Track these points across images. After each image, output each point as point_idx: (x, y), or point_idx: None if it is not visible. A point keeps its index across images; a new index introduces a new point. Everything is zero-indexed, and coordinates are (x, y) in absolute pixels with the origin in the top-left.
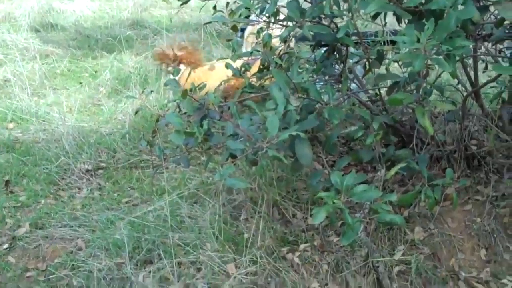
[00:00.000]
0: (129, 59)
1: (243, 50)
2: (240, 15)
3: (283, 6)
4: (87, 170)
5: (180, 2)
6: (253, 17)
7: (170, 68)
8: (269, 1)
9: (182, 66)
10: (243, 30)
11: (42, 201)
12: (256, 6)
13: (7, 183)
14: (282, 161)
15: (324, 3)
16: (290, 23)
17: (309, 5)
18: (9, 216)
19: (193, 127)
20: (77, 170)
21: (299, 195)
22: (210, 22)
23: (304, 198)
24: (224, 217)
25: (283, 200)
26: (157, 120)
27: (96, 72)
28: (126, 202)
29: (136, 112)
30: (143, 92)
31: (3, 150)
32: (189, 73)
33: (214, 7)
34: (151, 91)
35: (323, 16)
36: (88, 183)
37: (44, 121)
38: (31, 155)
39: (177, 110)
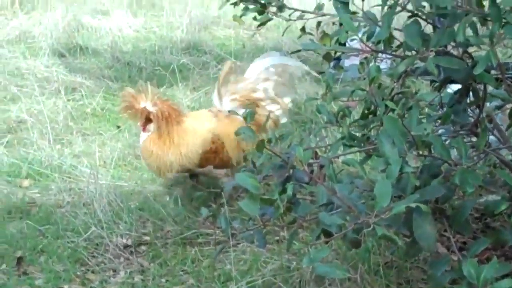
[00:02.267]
0: (184, 96)
1: (216, 101)
2: (337, 41)
3: (397, 30)
4: (126, 246)
5: (257, 22)
6: (353, 43)
7: (138, 125)
8: (380, 23)
9: (151, 127)
10: (337, 60)
11: (65, 287)
12: (363, 30)
13: (19, 260)
14: (394, 243)
15: (456, 27)
16: (408, 53)
17: (432, 29)
18: None
19: (273, 192)
20: (113, 246)
21: None
22: (298, 51)
23: None
24: None
25: None
26: (221, 181)
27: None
28: None
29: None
30: None
31: (15, 216)
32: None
33: (303, 29)
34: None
35: (452, 44)
36: (126, 263)
37: (69, 177)
38: (51, 223)
39: (251, 168)
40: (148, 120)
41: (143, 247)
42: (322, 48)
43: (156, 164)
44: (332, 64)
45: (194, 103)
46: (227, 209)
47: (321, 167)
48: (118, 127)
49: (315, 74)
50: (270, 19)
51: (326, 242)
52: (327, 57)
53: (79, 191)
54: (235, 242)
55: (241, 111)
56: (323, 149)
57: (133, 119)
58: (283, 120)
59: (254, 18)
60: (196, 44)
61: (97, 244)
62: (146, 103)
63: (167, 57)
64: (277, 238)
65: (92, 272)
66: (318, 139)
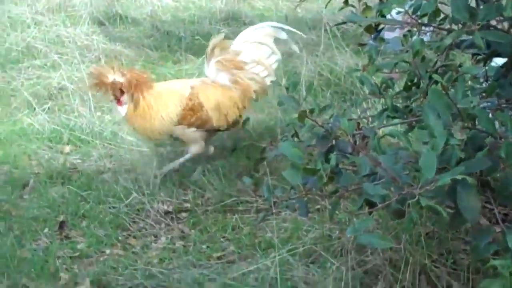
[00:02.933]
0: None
1: (205, 68)
2: (379, 13)
3: (442, 3)
4: (167, 212)
5: None
6: (395, 15)
7: (111, 100)
8: None
9: (126, 96)
10: (379, 32)
11: (107, 251)
12: (410, 3)
13: (61, 225)
14: (439, 214)
15: (504, 1)
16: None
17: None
18: (64, 269)
19: (316, 162)
20: (154, 212)
21: (456, 259)
22: (343, 23)
23: (464, 263)
24: (353, 285)
25: (434, 265)
26: (263, 150)
27: None
28: (218, 258)
29: (235, 139)
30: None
31: (57, 181)
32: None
33: (346, 1)
34: (253, 111)
35: (498, 18)
36: (167, 229)
37: (110, 144)
38: (93, 189)
39: (293, 137)
40: (121, 92)
41: (183, 214)
42: (365, 20)
43: (143, 132)
44: (371, 36)
45: None
46: (269, 178)
47: (364, 137)
48: None
49: (299, 33)
50: None
51: (370, 213)
52: (369, 29)
53: (120, 158)
54: (276, 210)
55: (222, 74)
56: (365, 120)
57: (106, 95)
58: (269, 82)
59: None
60: (235, 14)
61: (138, 210)
62: (114, 76)
63: (206, 27)
64: (318, 206)
65: (134, 237)
66: (359, 110)
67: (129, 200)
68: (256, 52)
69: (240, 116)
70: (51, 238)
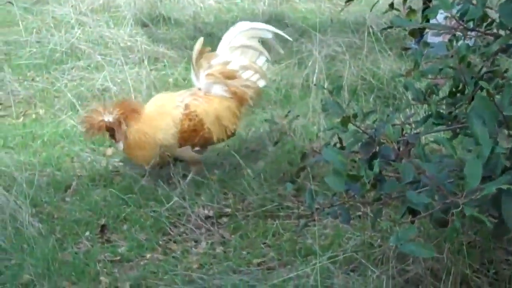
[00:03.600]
0: (266, 68)
1: (194, 80)
2: (425, 17)
3: (489, 8)
4: (208, 217)
5: None
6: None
7: (109, 139)
8: (474, 1)
9: (119, 133)
10: (422, 36)
11: (148, 255)
12: (457, 8)
13: (103, 228)
14: (483, 223)
15: None
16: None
17: None
18: (105, 273)
19: (359, 168)
20: (194, 216)
21: (498, 269)
22: (390, 27)
23: (506, 274)
24: None
25: (476, 276)
26: (304, 155)
27: None
28: (259, 264)
29: (276, 143)
30: (286, 115)
31: (99, 184)
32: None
33: (391, 5)
34: (298, 116)
35: None
36: (208, 234)
37: None
38: (134, 192)
39: (335, 143)
40: (113, 129)
41: (224, 219)
42: (412, 25)
43: (145, 160)
44: (415, 40)
45: (276, 76)
46: (311, 184)
47: (407, 144)
48: None
49: (285, 35)
50: None
51: (412, 221)
52: (413, 33)
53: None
54: (317, 216)
55: (217, 86)
56: (408, 126)
57: (104, 136)
58: (262, 84)
59: None
60: (278, 16)
61: (179, 214)
62: (102, 117)
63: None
64: (359, 213)
65: (174, 242)
66: (401, 115)
67: (170, 204)
68: (244, 57)
69: (237, 126)
70: (93, 242)
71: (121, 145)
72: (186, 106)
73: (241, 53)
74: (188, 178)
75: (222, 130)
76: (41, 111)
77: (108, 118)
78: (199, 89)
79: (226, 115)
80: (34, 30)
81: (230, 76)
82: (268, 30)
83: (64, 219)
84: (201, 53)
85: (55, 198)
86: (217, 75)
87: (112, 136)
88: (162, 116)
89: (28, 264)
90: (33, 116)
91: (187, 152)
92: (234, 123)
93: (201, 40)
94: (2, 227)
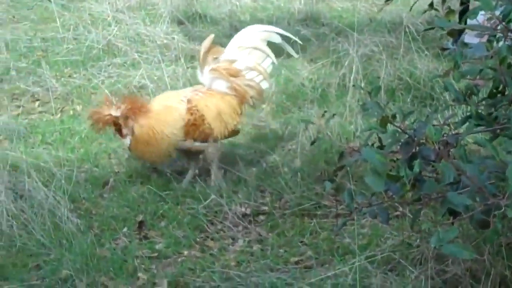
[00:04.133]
0: (302, 67)
1: (199, 75)
2: (462, 18)
3: None
4: (245, 215)
5: None
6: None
7: (114, 134)
8: None
9: (126, 129)
10: (459, 36)
11: (185, 252)
12: (500, 9)
13: (140, 224)
14: None
15: None
16: None
17: None
18: (143, 269)
19: (399, 168)
20: (231, 214)
21: None
22: (431, 28)
23: None
24: None
25: None
26: (341, 154)
27: None
28: (296, 263)
29: (313, 142)
30: (323, 115)
31: (136, 180)
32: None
33: (431, 4)
34: (334, 115)
35: None
36: (245, 232)
37: None
38: (171, 189)
39: (373, 143)
40: (120, 125)
41: (261, 217)
42: (452, 26)
43: (150, 157)
44: (452, 40)
45: (312, 75)
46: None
47: (446, 145)
48: None
49: (293, 38)
50: None
51: (452, 222)
52: (452, 33)
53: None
54: (353, 216)
55: (219, 81)
56: (446, 127)
57: (111, 131)
58: (265, 86)
59: None
60: (314, 15)
61: (216, 212)
62: (110, 111)
63: (284, 27)
64: (397, 213)
65: (211, 239)
66: (439, 116)
67: (207, 201)
68: (250, 58)
69: (238, 123)
70: (130, 238)
71: (127, 141)
72: (188, 101)
73: (248, 54)
74: (213, 173)
75: (223, 126)
76: (78, 108)
77: (116, 112)
78: (203, 85)
79: (227, 111)
80: (71, 27)
81: (233, 74)
82: (278, 34)
83: (102, 215)
84: (209, 50)
85: (93, 194)
86: (221, 71)
87: (119, 131)
88: (169, 111)
89: (67, 259)
90: (71, 112)
91: (191, 144)
92: (235, 120)
93: (211, 37)
94: (41, 222)
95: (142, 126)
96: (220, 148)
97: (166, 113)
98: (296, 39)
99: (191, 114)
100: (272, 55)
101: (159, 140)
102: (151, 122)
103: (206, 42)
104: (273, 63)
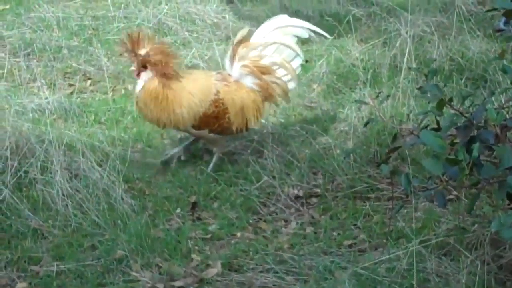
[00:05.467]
0: (352, 47)
1: (227, 65)
2: None
3: None
4: (297, 197)
5: None
6: None
7: (131, 69)
8: None
9: (147, 73)
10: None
11: (238, 234)
12: None
13: (193, 206)
14: None
15: None
16: None
17: None
18: (196, 250)
19: (458, 152)
20: (284, 196)
21: None
22: (493, 10)
23: None
24: (487, 279)
25: None
26: (395, 136)
27: (307, 62)
28: (350, 246)
29: (367, 124)
30: (377, 96)
31: (189, 161)
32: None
33: None
34: (388, 96)
35: None
36: (297, 214)
37: None
38: (224, 170)
39: (426, 125)
40: (144, 67)
41: (313, 199)
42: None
43: (152, 119)
44: (503, 21)
45: (362, 55)
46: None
47: (503, 128)
48: None
49: (322, 32)
50: None
51: (510, 206)
52: (509, 14)
53: (249, 140)
54: (406, 198)
55: (249, 77)
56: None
57: (131, 63)
58: (292, 86)
59: None
60: None
61: (269, 194)
62: (143, 50)
63: (334, 6)
64: (450, 197)
65: (264, 221)
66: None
67: (260, 183)
68: (280, 54)
69: (258, 120)
70: (183, 219)
71: (139, 85)
72: (217, 92)
73: (277, 50)
74: (213, 161)
75: (243, 122)
76: (130, 87)
77: (148, 56)
78: (230, 75)
79: (250, 108)
80: (122, 5)
81: (264, 71)
82: (305, 28)
83: (156, 196)
84: (241, 42)
85: (146, 175)
86: (252, 67)
87: (138, 69)
88: (195, 90)
89: (122, 239)
90: (122, 91)
91: (203, 133)
92: (256, 117)
93: (245, 30)
94: (96, 202)
95: (160, 85)
96: (228, 142)
97: (193, 90)
98: (323, 32)
99: (216, 106)
100: (301, 53)
101: (171, 112)
102: (173, 89)
103: (240, 35)
104: (302, 62)
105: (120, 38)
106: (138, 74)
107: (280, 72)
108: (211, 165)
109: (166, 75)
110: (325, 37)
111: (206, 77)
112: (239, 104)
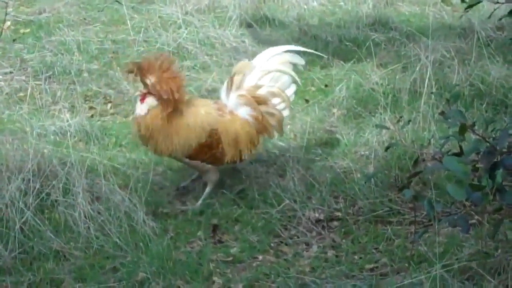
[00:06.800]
0: (372, 72)
1: (223, 95)
2: None
3: None
4: (318, 220)
5: (465, 4)
6: None
7: (136, 94)
8: None
9: (152, 100)
10: None
11: (260, 257)
12: None
13: (215, 228)
14: None
15: None
16: None
17: None
18: (218, 273)
19: (481, 178)
20: (305, 220)
21: None
22: None
23: None
24: None
25: None
26: (416, 161)
27: (326, 86)
28: (371, 270)
29: (388, 148)
30: (398, 121)
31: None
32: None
33: (511, 12)
34: (409, 121)
35: None
36: (319, 238)
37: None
38: (245, 193)
39: (448, 150)
40: (150, 93)
41: (335, 223)
42: None
43: (147, 143)
44: None
45: (382, 80)
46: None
47: None
48: (307, 101)
49: (320, 54)
50: (479, 1)
51: None
52: None
53: (271, 162)
54: (428, 223)
55: (244, 108)
56: None
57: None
58: (286, 114)
59: (462, 1)
60: (382, 19)
61: (290, 217)
62: (151, 78)
63: (353, 32)
64: (473, 221)
65: (286, 244)
66: None
67: (281, 206)
68: (275, 83)
69: (251, 152)
70: (205, 242)
71: (142, 109)
72: (213, 122)
73: (272, 78)
74: (206, 191)
75: (236, 153)
76: None
77: (157, 86)
78: (225, 105)
79: (244, 140)
80: (142, 29)
81: (260, 101)
82: (301, 56)
83: (177, 218)
84: (239, 72)
85: (167, 198)
86: (249, 98)
87: (143, 94)
88: (195, 123)
89: (143, 262)
90: None
91: (197, 164)
92: (249, 149)
93: (245, 63)
94: (118, 224)
95: (163, 115)
96: (218, 173)
97: (190, 126)
98: (322, 54)
99: (210, 136)
100: (298, 79)
101: (163, 139)
102: (171, 121)
103: (240, 66)
104: (295, 91)
105: (128, 63)
106: (143, 99)
107: (275, 101)
108: (203, 197)
109: (171, 105)
110: (322, 57)
111: (206, 108)
112: (232, 135)
